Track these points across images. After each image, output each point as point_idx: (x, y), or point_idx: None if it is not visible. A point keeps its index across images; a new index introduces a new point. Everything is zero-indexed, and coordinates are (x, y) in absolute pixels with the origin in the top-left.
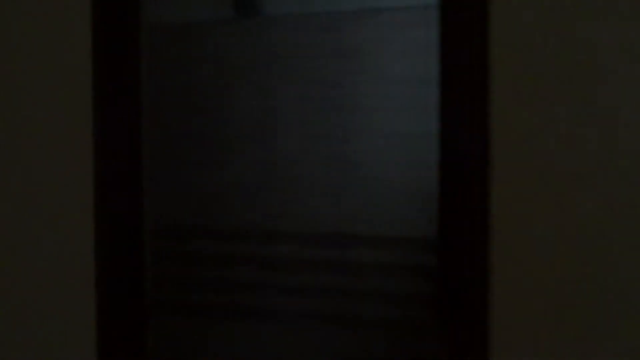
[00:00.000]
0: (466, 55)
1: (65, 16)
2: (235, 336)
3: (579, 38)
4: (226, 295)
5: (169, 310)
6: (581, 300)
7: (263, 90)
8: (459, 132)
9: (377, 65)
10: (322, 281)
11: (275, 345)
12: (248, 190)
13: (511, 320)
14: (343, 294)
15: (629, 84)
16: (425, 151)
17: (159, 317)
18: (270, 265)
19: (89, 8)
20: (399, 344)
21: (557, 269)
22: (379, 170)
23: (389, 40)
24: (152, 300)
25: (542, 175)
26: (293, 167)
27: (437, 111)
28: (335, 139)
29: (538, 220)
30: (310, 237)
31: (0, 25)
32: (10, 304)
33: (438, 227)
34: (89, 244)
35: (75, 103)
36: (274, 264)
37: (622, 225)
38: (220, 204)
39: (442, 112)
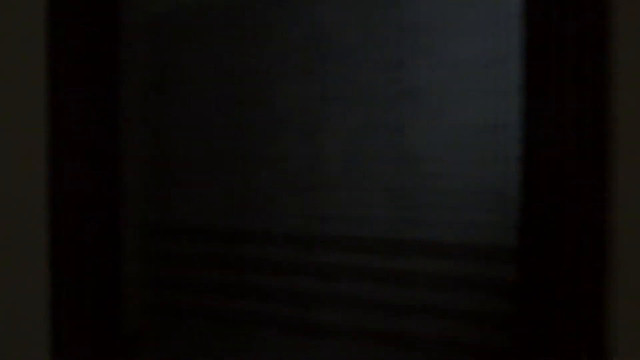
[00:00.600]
0: (562, 26)
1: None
2: (273, 348)
3: None
4: (261, 305)
5: (202, 316)
6: None
7: (309, 75)
8: (546, 121)
9: (444, 44)
10: (374, 293)
11: None
12: (289, 190)
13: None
14: (398, 309)
15: None
16: (502, 144)
17: (192, 321)
18: (316, 273)
19: None
20: None
21: None
22: (445, 167)
23: (460, 15)
24: (186, 304)
25: None
26: (342, 162)
27: (519, 97)
28: (393, 130)
29: None
30: (362, 243)
31: None
32: None
33: (519, 234)
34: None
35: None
36: (320, 273)
37: None
38: (257, 205)
39: (526, 97)
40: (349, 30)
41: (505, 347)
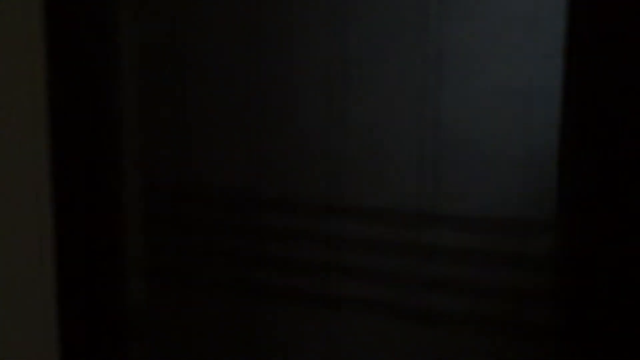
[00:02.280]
0: None
1: None
2: (290, 321)
3: None
4: (285, 276)
5: (224, 286)
6: None
7: (331, 34)
8: (594, 85)
9: (474, 3)
10: (404, 268)
11: (345, 335)
12: (313, 158)
13: None
14: (433, 284)
15: None
16: (542, 111)
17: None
18: (340, 244)
19: None
20: (494, 347)
21: None
22: (478, 135)
23: None
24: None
25: None
26: (368, 130)
27: (561, 59)
28: (422, 95)
29: None
30: (392, 215)
31: None
32: None
33: (557, 207)
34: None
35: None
36: (344, 245)
37: None
38: (281, 173)
39: (567, 58)
40: None
41: (537, 323)
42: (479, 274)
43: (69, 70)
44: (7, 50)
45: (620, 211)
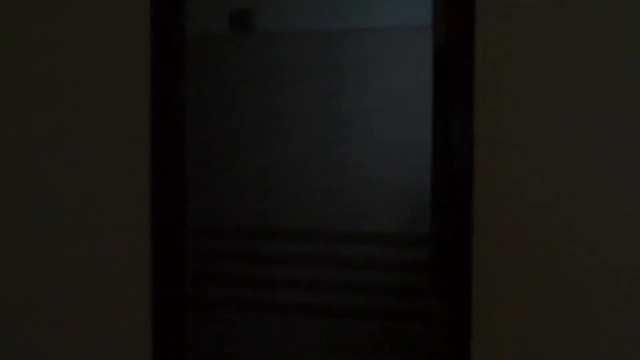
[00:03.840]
0: (455, 69)
1: (124, 38)
2: (245, 328)
3: (553, 54)
4: (221, 288)
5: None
6: (554, 287)
7: (263, 101)
8: (448, 139)
9: (371, 77)
10: (326, 275)
11: (284, 334)
12: (254, 192)
13: (491, 298)
14: (344, 286)
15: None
16: (417, 156)
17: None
18: (270, 260)
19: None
20: (396, 331)
21: (531, 262)
22: (371, 174)
23: (380, 54)
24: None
25: (521, 178)
26: (290, 168)
27: (431, 120)
28: (329, 144)
29: (517, 217)
30: (313, 234)
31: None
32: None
33: (430, 224)
34: (146, 240)
35: (133, 112)
36: (274, 260)
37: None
38: (225, 205)
39: (433, 122)
40: (293, 65)
41: (419, 312)
42: (375, 276)
43: (164, 124)
44: (125, 110)
45: (466, 230)
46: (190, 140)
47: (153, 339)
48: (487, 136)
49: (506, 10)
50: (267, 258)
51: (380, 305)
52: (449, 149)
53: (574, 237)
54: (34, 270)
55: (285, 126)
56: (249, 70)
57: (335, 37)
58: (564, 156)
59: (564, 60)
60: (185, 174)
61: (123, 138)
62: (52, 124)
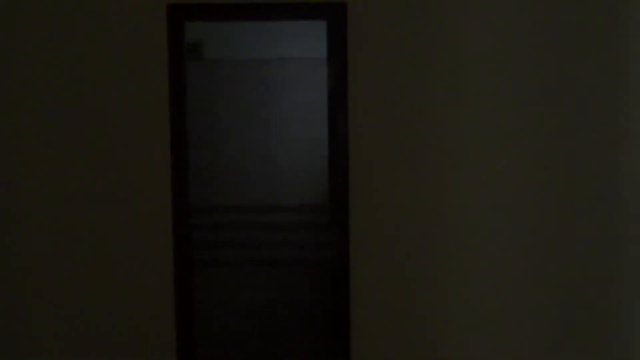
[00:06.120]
0: (338, 89)
1: (145, 66)
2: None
3: (406, 77)
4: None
5: None
6: (415, 266)
7: (208, 111)
8: (338, 138)
9: (288, 94)
10: (259, 237)
11: (234, 282)
12: (203, 179)
13: (366, 264)
14: (275, 244)
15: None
16: (320, 150)
17: None
18: (221, 227)
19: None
20: (312, 276)
21: (398, 244)
22: (290, 163)
23: (295, 77)
24: None
25: (379, 170)
26: (234, 161)
27: (327, 125)
28: (262, 142)
29: (382, 199)
30: (250, 207)
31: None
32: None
33: (329, 198)
34: (168, 222)
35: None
36: (224, 226)
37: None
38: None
39: (329, 125)
40: (238, 83)
41: (327, 258)
42: (298, 236)
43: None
44: (148, 131)
45: (345, 198)
46: None
47: (174, 281)
48: (356, 136)
49: (368, 61)
50: (218, 226)
51: (303, 257)
52: (335, 144)
53: (429, 218)
54: (83, 231)
55: (225, 130)
56: (199, 87)
57: (263, 64)
58: (402, 150)
59: (409, 79)
60: (188, 169)
61: (150, 149)
62: (85, 120)
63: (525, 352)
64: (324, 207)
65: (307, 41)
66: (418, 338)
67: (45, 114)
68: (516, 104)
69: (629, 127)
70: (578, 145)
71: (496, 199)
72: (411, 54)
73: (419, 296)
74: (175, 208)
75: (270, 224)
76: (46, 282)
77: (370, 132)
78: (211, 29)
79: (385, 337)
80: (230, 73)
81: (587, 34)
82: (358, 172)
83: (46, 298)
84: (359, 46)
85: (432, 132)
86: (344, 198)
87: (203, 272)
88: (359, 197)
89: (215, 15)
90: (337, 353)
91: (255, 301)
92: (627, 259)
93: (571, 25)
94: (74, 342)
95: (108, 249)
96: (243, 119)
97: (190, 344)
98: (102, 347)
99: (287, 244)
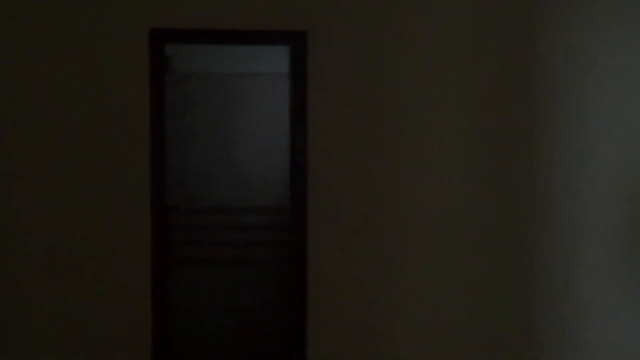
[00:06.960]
0: (299, 103)
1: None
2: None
3: (359, 94)
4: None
5: None
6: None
7: (179, 120)
8: (298, 147)
9: (253, 106)
10: (232, 237)
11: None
12: (177, 183)
13: (324, 259)
14: (247, 244)
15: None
16: (282, 157)
17: None
18: (195, 227)
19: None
20: (273, 273)
21: (354, 240)
22: (255, 168)
23: (261, 90)
24: None
25: (335, 175)
26: (204, 167)
27: (289, 134)
28: (228, 149)
29: (335, 192)
30: (220, 209)
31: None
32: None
33: (290, 200)
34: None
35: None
36: (197, 227)
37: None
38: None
39: (290, 135)
40: (206, 95)
41: (289, 260)
42: (265, 236)
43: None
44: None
45: (304, 198)
46: None
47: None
48: (315, 144)
49: (326, 80)
50: (192, 226)
51: (271, 256)
52: (296, 152)
53: (380, 205)
54: (68, 223)
55: (195, 138)
56: (170, 98)
57: (230, 77)
58: (355, 158)
59: (362, 96)
60: (166, 169)
61: (127, 146)
62: (75, 126)
63: (482, 342)
64: (285, 209)
65: (271, 59)
66: (369, 330)
67: (37, 119)
68: (450, 114)
69: (546, 133)
70: (501, 148)
71: (436, 200)
72: (364, 74)
73: (367, 291)
74: (154, 208)
75: (237, 225)
76: (22, 281)
77: (327, 141)
78: (182, 44)
79: (341, 332)
80: (200, 85)
81: (511, 48)
82: (316, 177)
83: (24, 297)
84: (318, 67)
85: (380, 141)
86: (303, 201)
87: (175, 270)
88: (317, 200)
89: (193, 39)
90: (294, 347)
91: (225, 299)
92: (544, 261)
93: (498, 40)
94: (51, 340)
95: (90, 246)
96: (211, 127)
97: (165, 341)
98: (77, 345)
99: (252, 244)
